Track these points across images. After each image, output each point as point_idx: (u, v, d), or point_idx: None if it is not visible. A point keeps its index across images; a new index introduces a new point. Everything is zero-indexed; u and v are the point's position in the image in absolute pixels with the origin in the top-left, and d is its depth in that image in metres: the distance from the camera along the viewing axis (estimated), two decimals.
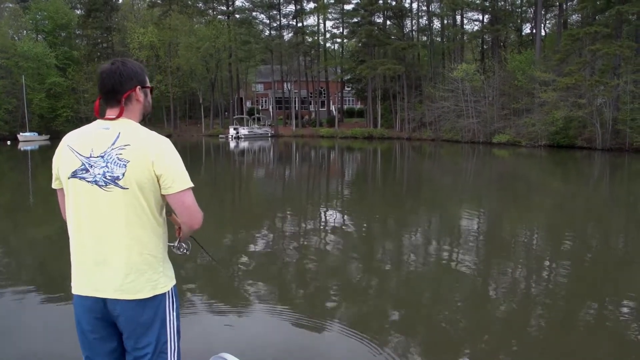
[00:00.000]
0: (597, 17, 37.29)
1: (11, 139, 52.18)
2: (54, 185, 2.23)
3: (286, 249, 8.93)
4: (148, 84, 2.23)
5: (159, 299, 2.17)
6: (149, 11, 65.19)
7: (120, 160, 2.04)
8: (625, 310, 5.96)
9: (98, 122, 2.14)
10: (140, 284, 2.12)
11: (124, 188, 2.05)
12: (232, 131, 55.89)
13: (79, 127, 2.22)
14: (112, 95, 2.11)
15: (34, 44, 57.07)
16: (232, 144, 47.29)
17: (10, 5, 65.76)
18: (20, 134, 53.09)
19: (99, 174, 2.05)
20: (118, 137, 2.07)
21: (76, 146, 2.10)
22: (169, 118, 62.91)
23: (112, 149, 2.05)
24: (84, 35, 64.91)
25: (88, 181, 2.06)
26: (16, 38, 60.70)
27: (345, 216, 12.47)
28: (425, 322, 5.66)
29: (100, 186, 2.05)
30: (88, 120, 56.39)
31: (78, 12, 67.59)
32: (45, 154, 34.42)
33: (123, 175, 2.04)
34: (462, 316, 5.74)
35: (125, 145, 2.05)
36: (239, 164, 30.13)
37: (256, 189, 19.05)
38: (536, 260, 8.27)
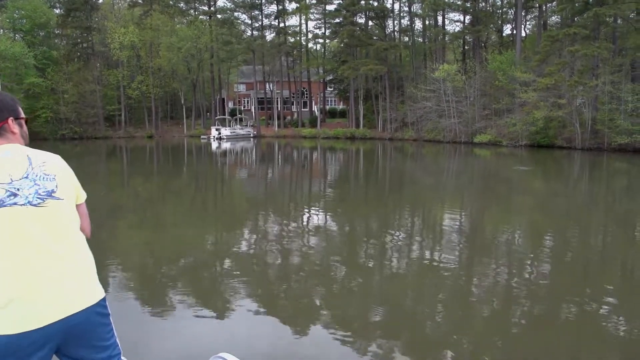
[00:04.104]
0: (575, 18, 37.82)
1: None
2: None
3: (272, 251, 8.92)
4: (22, 115, 2.24)
5: (104, 298, 2.22)
6: (130, 11, 64.53)
7: (47, 175, 2.08)
8: (605, 306, 6.04)
9: None
10: (96, 286, 2.16)
11: (60, 199, 2.09)
12: (214, 132, 55.55)
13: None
14: None
15: (11, 43, 56.07)
16: (214, 145, 47.04)
17: None
18: None
19: (30, 194, 2.01)
20: (29, 157, 2.08)
21: None
22: (150, 119, 62.31)
23: (33, 167, 2.05)
24: (64, 35, 63.93)
25: (21, 205, 1.99)
26: None
27: (328, 217, 12.48)
28: (409, 321, 5.69)
29: (34, 205, 2.01)
30: (68, 121, 54.71)
31: (57, 11, 66.59)
32: None
33: (56, 187, 2.08)
34: (445, 315, 5.78)
35: (43, 163, 2.10)
36: (221, 165, 29.99)
37: (239, 190, 18.98)
38: (517, 258, 8.35)
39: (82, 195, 2.26)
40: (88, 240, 2.24)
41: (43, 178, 2.06)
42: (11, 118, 2.15)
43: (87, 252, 2.18)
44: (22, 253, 1.97)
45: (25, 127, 2.26)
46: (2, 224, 1.95)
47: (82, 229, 2.23)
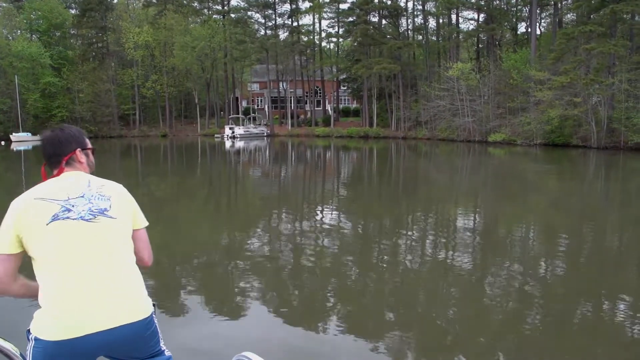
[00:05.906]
0: (592, 16, 37.39)
1: (5, 140, 51.92)
2: (8, 248, 2.04)
3: (286, 250, 8.94)
4: (89, 146, 2.39)
5: (152, 313, 2.25)
6: (144, 10, 65.00)
7: (102, 196, 2.19)
8: (620, 308, 5.97)
9: (56, 179, 2.21)
10: (146, 301, 2.21)
11: (112, 217, 2.17)
12: (227, 131, 55.76)
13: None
14: (54, 158, 2.26)
15: (28, 43, 56.84)
16: (228, 144, 47.19)
17: (4, 4, 65.43)
18: (14, 134, 52.79)
19: (83, 210, 2.12)
20: (89, 181, 2.22)
21: (49, 195, 2.12)
22: (165, 118, 62.76)
23: (90, 188, 2.19)
24: (79, 35, 64.62)
25: (73, 219, 2.09)
26: (10, 38, 60.32)
27: (342, 216, 12.46)
28: (422, 321, 5.67)
29: (86, 220, 2.10)
30: (83, 120, 55.31)
31: (73, 11, 67.33)
32: (40, 154, 34.24)
33: (110, 207, 2.18)
34: (458, 315, 5.75)
35: (102, 186, 2.23)
36: (235, 164, 30.09)
37: (253, 189, 19.02)
38: (532, 259, 8.29)
39: (142, 221, 2.33)
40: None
41: (98, 198, 2.18)
42: (79, 149, 2.31)
43: (135, 269, 2.21)
44: (70, 264, 2.06)
45: (91, 157, 2.40)
46: (54, 235, 2.06)
47: (141, 256, 2.29)
